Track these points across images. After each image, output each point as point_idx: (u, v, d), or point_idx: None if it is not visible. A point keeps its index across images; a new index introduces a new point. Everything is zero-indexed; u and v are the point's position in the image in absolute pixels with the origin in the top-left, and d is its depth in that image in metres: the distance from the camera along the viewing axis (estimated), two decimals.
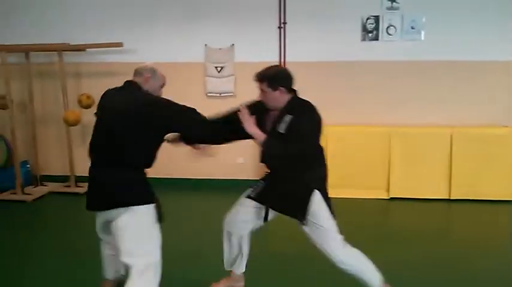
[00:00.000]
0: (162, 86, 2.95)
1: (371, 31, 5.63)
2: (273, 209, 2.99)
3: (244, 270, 3.28)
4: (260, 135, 2.75)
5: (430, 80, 5.66)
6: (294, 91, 2.89)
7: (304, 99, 2.88)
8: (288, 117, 2.76)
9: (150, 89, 2.84)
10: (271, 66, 2.92)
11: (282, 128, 2.76)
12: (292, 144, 2.70)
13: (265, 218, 3.00)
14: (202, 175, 6.13)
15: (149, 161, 2.78)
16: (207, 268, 3.64)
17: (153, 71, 2.88)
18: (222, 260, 3.24)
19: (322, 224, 2.90)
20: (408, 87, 5.70)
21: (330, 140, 5.58)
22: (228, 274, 3.31)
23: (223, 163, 5.97)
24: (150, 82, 2.85)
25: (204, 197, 5.76)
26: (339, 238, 2.97)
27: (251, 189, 3.08)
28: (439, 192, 5.49)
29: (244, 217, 3.06)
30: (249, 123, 2.78)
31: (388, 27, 5.59)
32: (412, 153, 5.52)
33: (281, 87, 2.80)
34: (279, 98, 2.83)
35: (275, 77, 2.83)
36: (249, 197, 3.06)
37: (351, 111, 5.76)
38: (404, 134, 5.54)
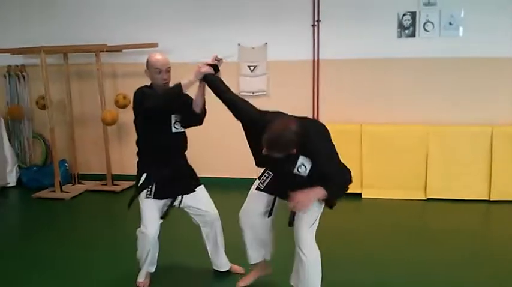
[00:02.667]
0: (158, 72, 3.11)
1: (407, 27, 5.51)
2: (282, 198, 2.97)
3: (269, 258, 3.28)
4: (321, 193, 2.68)
5: (469, 78, 5.49)
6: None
7: (303, 124, 2.64)
8: (304, 160, 2.68)
9: (152, 81, 3.17)
10: (275, 130, 2.51)
11: (303, 171, 2.70)
12: (331, 168, 2.68)
13: (270, 213, 3.03)
14: (231, 174, 6.10)
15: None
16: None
17: (146, 62, 3.15)
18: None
19: (313, 212, 2.85)
20: (446, 85, 5.54)
21: (365, 139, 5.51)
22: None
23: (252, 162, 5.95)
24: (148, 75, 3.17)
25: (232, 196, 5.59)
26: (315, 228, 2.91)
27: (259, 181, 3.08)
28: (478, 193, 5.32)
29: (259, 209, 3.05)
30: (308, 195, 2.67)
31: (425, 24, 5.45)
32: (451, 153, 5.37)
33: (294, 149, 2.58)
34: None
35: (288, 145, 2.54)
36: (258, 189, 3.06)
37: (387, 109, 5.65)
38: (442, 133, 5.40)
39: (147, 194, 3.19)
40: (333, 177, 2.69)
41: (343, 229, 4.58)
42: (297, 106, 5.83)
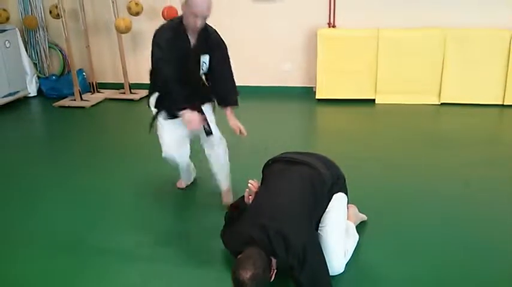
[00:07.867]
0: (194, 16, 2.70)
1: None
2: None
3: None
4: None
5: None
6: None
7: None
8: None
9: (184, 17, 2.76)
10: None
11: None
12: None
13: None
14: (245, 82, 6.06)
15: None
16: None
17: None
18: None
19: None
20: None
21: (382, 44, 5.43)
22: None
23: (268, 69, 5.97)
24: (183, 9, 2.74)
25: (247, 105, 5.42)
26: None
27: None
28: (492, 97, 5.33)
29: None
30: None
31: None
32: (467, 57, 5.30)
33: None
34: None
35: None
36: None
37: (404, 12, 5.49)
38: (460, 37, 5.29)
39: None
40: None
41: (356, 133, 4.68)
42: (312, 11, 5.72)
